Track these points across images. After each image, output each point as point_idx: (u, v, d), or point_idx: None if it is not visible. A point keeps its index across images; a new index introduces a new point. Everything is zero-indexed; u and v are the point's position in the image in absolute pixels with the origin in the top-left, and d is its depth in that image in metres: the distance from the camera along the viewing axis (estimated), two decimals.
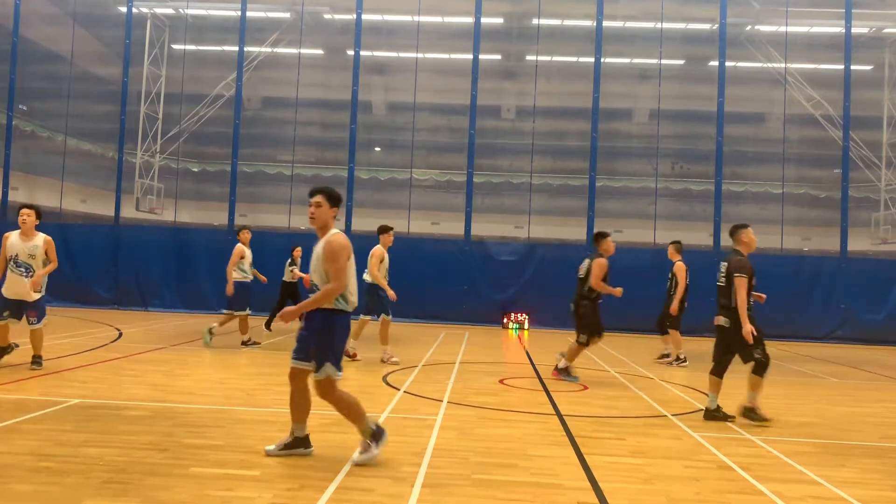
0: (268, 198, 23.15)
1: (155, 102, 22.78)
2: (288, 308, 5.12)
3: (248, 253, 11.55)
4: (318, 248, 5.04)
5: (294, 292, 13.60)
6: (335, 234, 5.07)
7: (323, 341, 4.98)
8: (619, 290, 9.41)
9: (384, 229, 10.39)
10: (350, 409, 5.08)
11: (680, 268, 11.69)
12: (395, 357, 10.40)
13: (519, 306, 18.34)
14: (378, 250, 10.25)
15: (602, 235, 9.61)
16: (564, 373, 9.46)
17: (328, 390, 5.01)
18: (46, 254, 8.26)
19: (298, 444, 5.13)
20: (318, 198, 5.13)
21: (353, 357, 10.23)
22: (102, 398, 6.83)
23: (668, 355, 12.05)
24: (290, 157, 22.04)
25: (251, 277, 11.61)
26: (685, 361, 11.78)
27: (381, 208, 22.53)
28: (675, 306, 11.55)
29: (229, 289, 11.05)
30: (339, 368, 5.01)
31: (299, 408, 5.14)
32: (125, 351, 10.42)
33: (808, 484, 4.99)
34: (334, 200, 5.17)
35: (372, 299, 10.32)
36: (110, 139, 21.46)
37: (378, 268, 10.16)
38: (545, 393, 8.39)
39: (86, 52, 21.89)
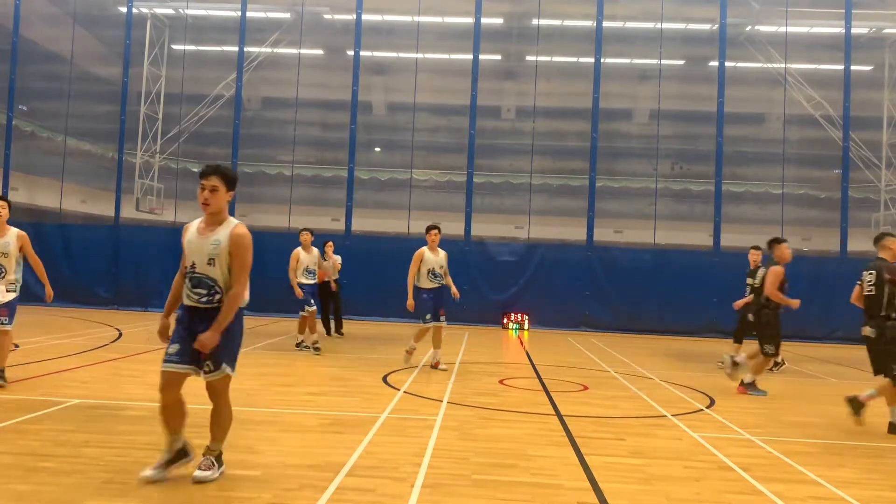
0: (268, 198, 23.15)
1: (155, 102, 22.77)
2: (206, 336, 4.32)
3: (303, 256, 11.18)
4: (221, 239, 4.37)
5: (328, 291, 13.14)
6: (240, 225, 4.45)
7: (223, 341, 4.38)
8: (796, 302, 8.73)
9: (427, 229, 9.89)
10: (227, 421, 4.61)
11: (764, 273, 11.37)
12: (444, 365, 10.03)
13: (519, 306, 18.35)
14: (418, 253, 9.84)
15: (776, 241, 9.03)
16: (752, 387, 8.90)
17: (224, 390, 4.54)
18: (21, 251, 7.30)
19: (179, 456, 4.52)
20: (214, 180, 4.37)
21: (435, 367, 9.92)
22: (102, 398, 6.83)
23: (733, 359, 11.70)
24: (290, 157, 22.04)
25: (309, 280, 11.22)
26: (783, 364, 11.48)
27: (381, 208, 22.56)
28: (737, 304, 11.06)
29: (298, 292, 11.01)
30: (233, 368, 4.52)
31: (178, 417, 4.51)
32: (125, 351, 10.42)
33: (808, 484, 4.99)
34: (231, 183, 4.44)
35: (416, 303, 9.80)
36: (110, 139, 21.47)
37: (416, 268, 9.77)
38: (545, 393, 8.39)
39: (86, 52, 21.89)
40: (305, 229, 11.46)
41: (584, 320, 18.38)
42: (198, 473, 4.41)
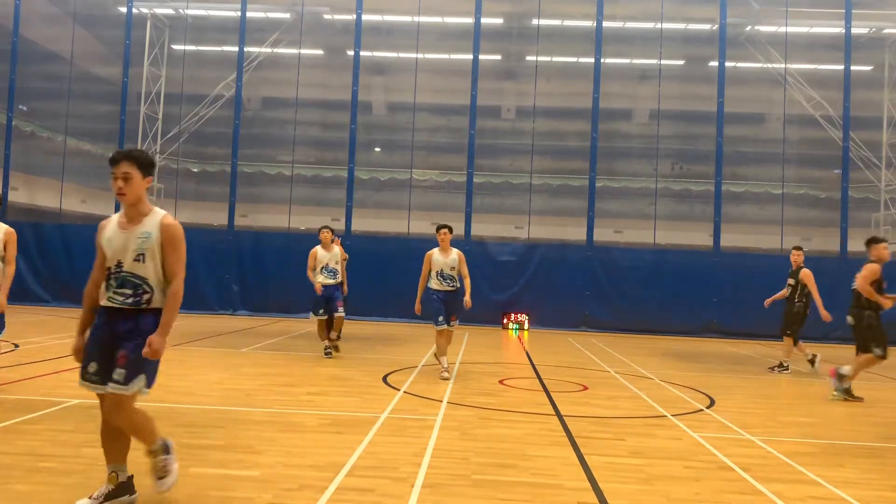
0: (268, 198, 23.14)
1: (155, 102, 22.78)
2: (157, 341, 3.79)
3: (322, 253, 10.82)
4: (151, 231, 3.90)
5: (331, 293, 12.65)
6: (168, 215, 4.01)
7: (145, 350, 3.80)
8: (889, 302, 8.49)
9: (436, 229, 9.51)
10: (145, 427, 3.93)
11: (807, 274, 11.12)
12: (446, 373, 9.24)
13: (519, 306, 18.35)
14: (427, 255, 9.56)
15: (873, 241, 8.82)
16: (842, 382, 8.84)
17: (127, 408, 3.82)
18: (5, 248, 6.75)
19: (124, 489, 3.92)
20: (126, 167, 3.82)
21: (446, 373, 9.28)
22: None
23: (812, 360, 11.38)
24: (290, 157, 22.04)
25: (328, 280, 10.81)
26: (787, 369, 11.39)
27: (381, 208, 22.56)
28: (824, 314, 10.72)
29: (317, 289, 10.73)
30: (151, 384, 3.91)
31: (118, 443, 3.93)
32: None
33: (808, 484, 4.99)
34: (146, 167, 3.89)
35: (425, 305, 9.41)
36: (110, 139, 21.46)
37: (426, 271, 9.49)
38: (545, 393, 8.39)
39: (86, 52, 21.90)
40: (325, 227, 11.16)
41: (584, 320, 18.38)
42: (158, 484, 3.97)
